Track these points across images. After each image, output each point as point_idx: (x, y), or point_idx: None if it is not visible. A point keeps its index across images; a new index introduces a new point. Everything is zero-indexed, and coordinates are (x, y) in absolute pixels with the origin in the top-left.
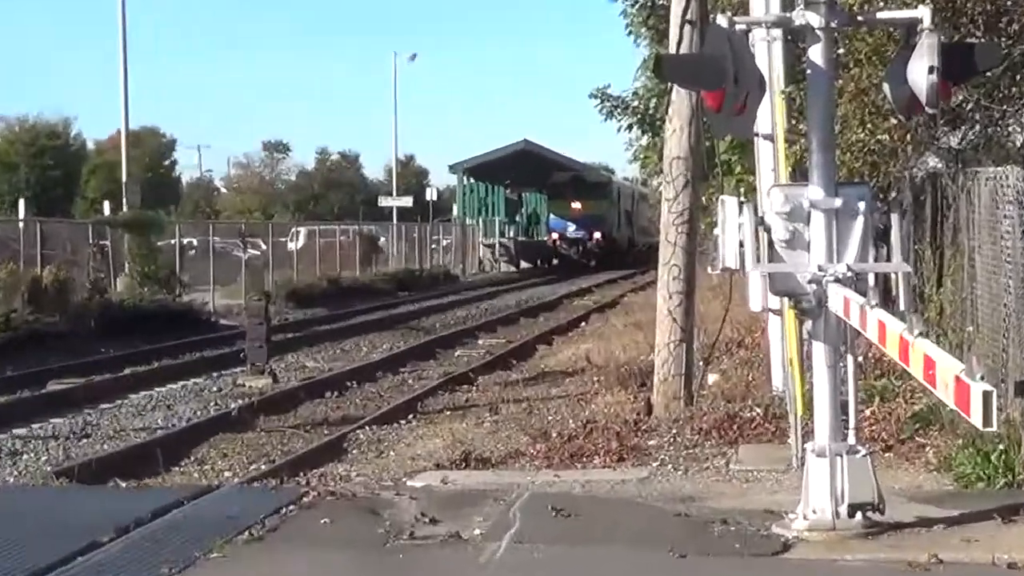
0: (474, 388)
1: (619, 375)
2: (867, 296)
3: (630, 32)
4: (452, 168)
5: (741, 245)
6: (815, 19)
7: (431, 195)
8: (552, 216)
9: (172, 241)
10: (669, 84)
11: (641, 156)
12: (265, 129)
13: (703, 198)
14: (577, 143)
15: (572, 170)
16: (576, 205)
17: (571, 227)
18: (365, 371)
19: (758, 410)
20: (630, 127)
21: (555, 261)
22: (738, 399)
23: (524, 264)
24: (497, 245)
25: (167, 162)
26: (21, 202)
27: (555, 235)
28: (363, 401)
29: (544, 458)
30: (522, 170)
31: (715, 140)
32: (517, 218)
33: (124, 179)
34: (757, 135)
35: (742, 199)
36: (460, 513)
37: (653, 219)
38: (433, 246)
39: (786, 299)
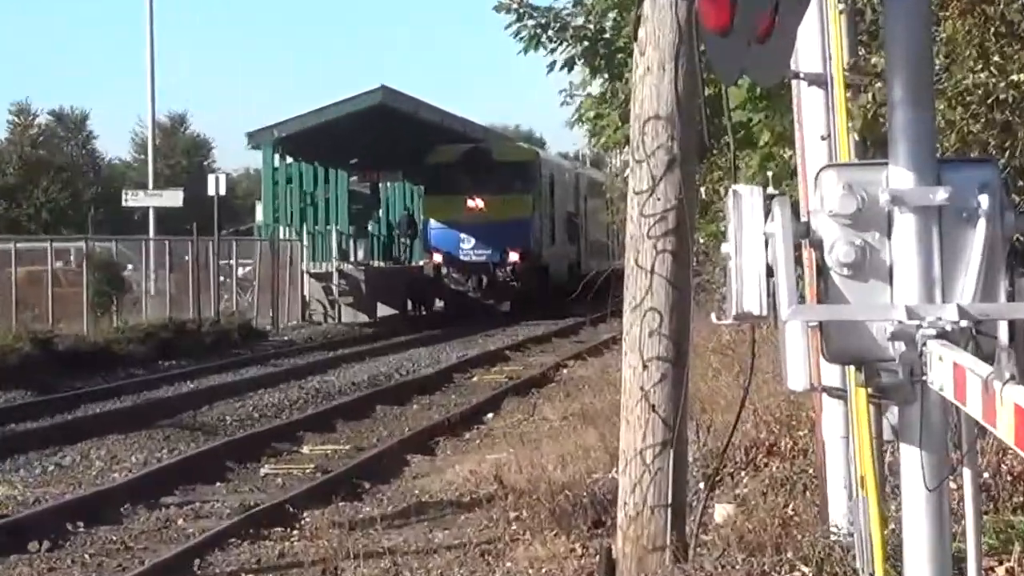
0: (296, 532)
1: (555, 508)
2: (997, 362)
3: None
4: (254, 138)
5: (770, 273)
6: None
7: (217, 186)
8: (433, 223)
9: None
10: None
11: (590, 115)
12: None
13: (701, 189)
14: (475, 96)
15: (468, 140)
16: (476, 203)
17: (467, 241)
18: (100, 503)
19: (804, 569)
20: (570, 64)
21: (439, 303)
22: (769, 548)
23: (384, 310)
24: (335, 276)
25: None
26: None
27: (438, 256)
28: (97, 557)
29: None
30: (379, 141)
31: (722, 87)
32: (371, 227)
33: None
34: (798, 77)
35: (771, 190)
36: None
37: (615, 226)
38: (222, 279)
39: (852, 369)
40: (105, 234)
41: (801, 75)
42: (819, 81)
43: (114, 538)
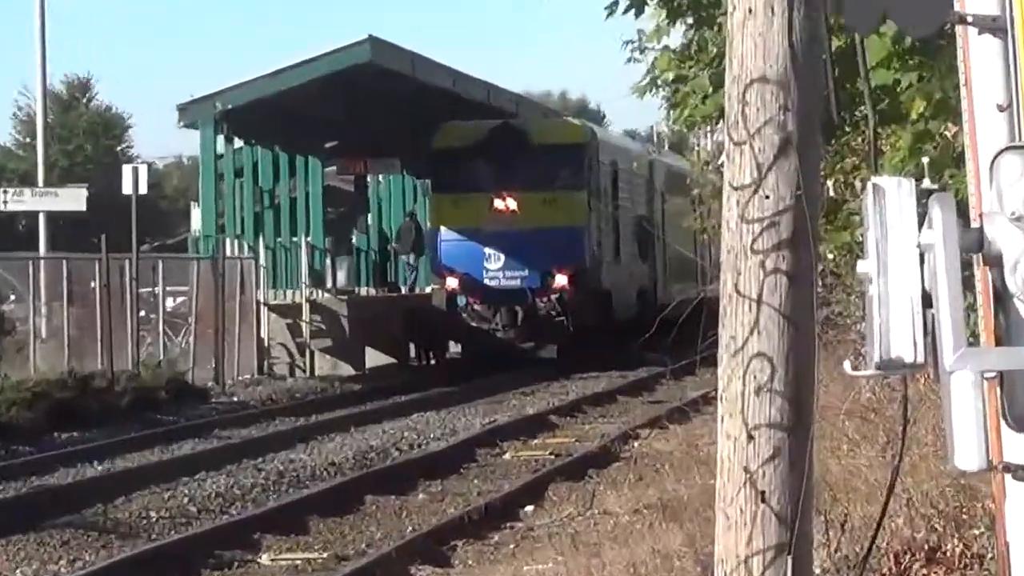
0: None
1: None
2: None
3: None
4: (188, 113)
5: (928, 303)
6: None
7: (136, 182)
8: (445, 233)
9: None
10: None
11: (668, 77)
12: None
13: (828, 182)
14: (502, 51)
15: (493, 113)
16: (505, 204)
17: (494, 259)
18: None
19: None
20: (638, 4)
21: (455, 347)
22: None
23: (376, 357)
24: (306, 310)
25: None
26: None
27: (453, 281)
28: None
29: None
30: (368, 117)
31: (854, 35)
32: (356, 239)
33: None
34: (964, 22)
35: (928, 183)
36: None
37: (705, 237)
38: (143, 314)
39: None
40: None
41: (969, 19)
42: (995, 27)
43: None
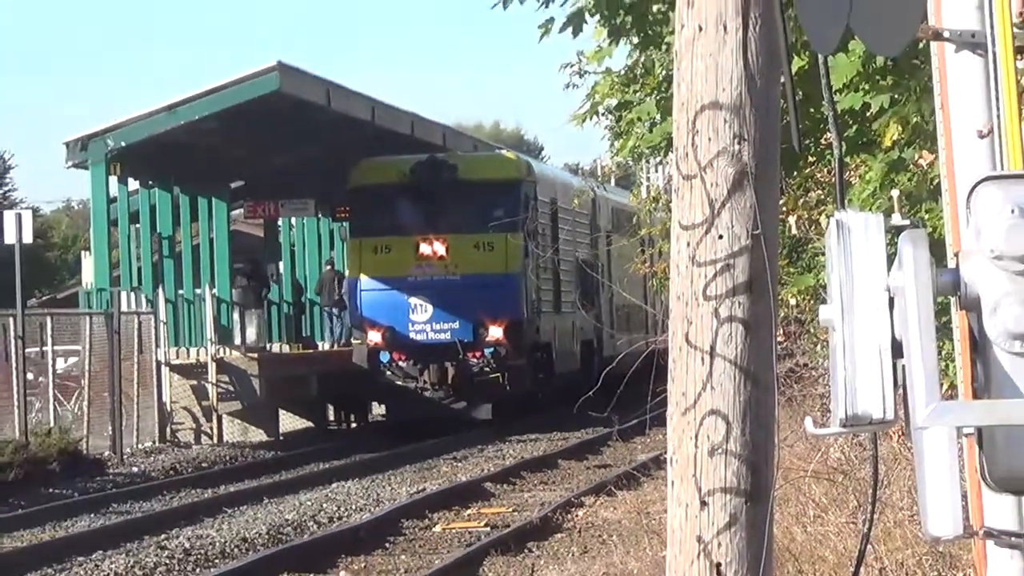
0: None
1: None
2: None
3: None
4: (75, 150)
5: (898, 352)
6: None
7: (19, 229)
8: (366, 283)
9: None
10: None
11: (611, 103)
12: None
13: (790, 219)
14: (429, 74)
15: (418, 146)
16: (432, 249)
17: (420, 310)
18: None
19: None
20: (577, 22)
21: (378, 408)
22: None
23: (291, 421)
24: (212, 370)
25: None
26: None
27: (375, 335)
28: None
29: None
30: (277, 153)
31: (817, 55)
32: (266, 292)
33: None
34: (940, 38)
35: (898, 218)
36: None
37: (654, 281)
38: (31, 376)
39: None
40: None
41: (945, 34)
42: (974, 44)
43: None
